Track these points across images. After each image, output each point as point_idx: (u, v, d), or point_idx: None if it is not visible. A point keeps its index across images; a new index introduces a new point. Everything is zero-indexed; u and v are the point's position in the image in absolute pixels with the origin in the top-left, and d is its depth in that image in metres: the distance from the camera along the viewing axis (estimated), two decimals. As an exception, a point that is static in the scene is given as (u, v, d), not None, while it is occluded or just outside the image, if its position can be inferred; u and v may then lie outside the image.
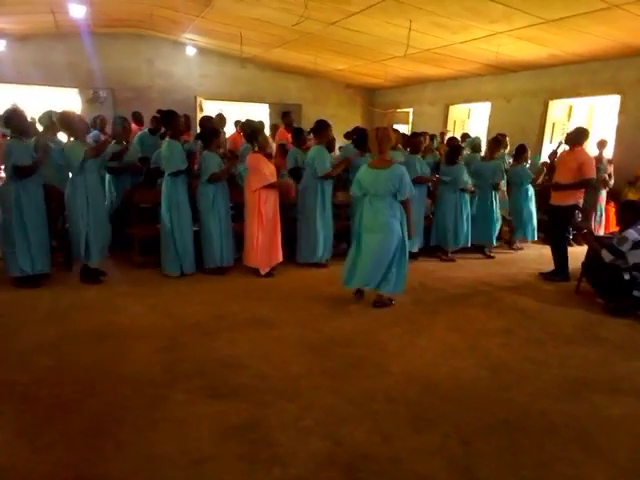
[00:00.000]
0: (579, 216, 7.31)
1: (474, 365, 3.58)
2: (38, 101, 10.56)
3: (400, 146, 6.61)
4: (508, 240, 7.42)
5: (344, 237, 6.33)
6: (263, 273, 5.40)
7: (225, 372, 3.35)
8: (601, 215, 7.74)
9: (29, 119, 5.10)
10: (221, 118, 7.43)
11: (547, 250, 6.02)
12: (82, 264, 5.08)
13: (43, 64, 11.50)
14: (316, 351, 3.72)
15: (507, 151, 7.69)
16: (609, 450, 2.64)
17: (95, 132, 6.99)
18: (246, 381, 3.23)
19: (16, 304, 4.52)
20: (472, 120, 12.24)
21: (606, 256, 4.68)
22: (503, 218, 7.24)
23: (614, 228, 7.38)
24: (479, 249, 6.94)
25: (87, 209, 4.87)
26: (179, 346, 3.74)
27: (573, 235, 7.55)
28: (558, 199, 5.62)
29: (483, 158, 7.12)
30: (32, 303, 4.53)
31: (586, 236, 5.32)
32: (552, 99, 9.41)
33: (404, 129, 12.74)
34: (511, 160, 7.44)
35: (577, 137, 5.56)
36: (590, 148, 8.64)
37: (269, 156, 5.40)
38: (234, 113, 11.70)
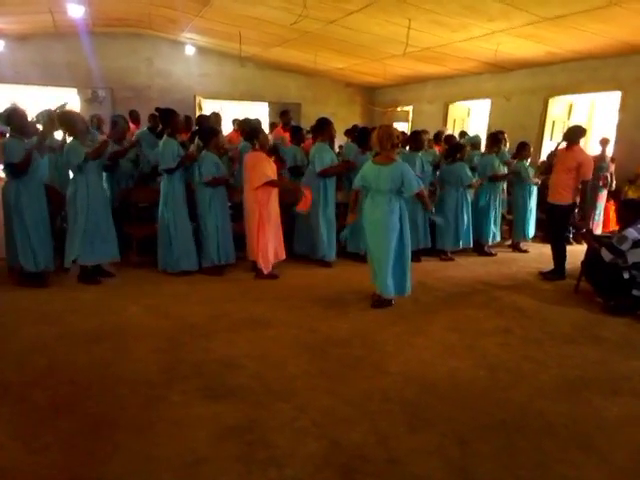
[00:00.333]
0: (578, 215, 7.29)
1: (472, 365, 3.57)
2: (37, 101, 10.54)
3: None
4: (513, 244, 7.37)
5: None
6: (266, 273, 5.36)
7: (222, 373, 3.34)
8: (600, 213, 7.72)
9: (30, 119, 5.09)
10: (217, 117, 7.40)
11: (547, 249, 6.01)
12: (72, 263, 5.05)
13: (42, 64, 11.51)
14: (313, 351, 3.70)
15: (507, 148, 7.68)
16: (608, 451, 2.63)
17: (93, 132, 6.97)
18: (243, 382, 3.22)
19: (13, 304, 4.50)
20: (472, 118, 12.22)
21: (606, 255, 4.66)
22: (502, 217, 7.23)
23: (613, 227, 7.37)
24: (479, 248, 6.92)
25: (88, 208, 4.87)
26: (176, 346, 3.72)
27: (573, 234, 7.55)
28: (557, 198, 5.60)
29: (483, 155, 7.11)
30: (29, 303, 4.52)
31: (585, 235, 5.30)
32: (552, 97, 9.38)
33: (404, 127, 12.73)
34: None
35: (574, 135, 5.54)
36: (592, 146, 8.68)
37: (270, 154, 5.39)
38: (234, 112, 11.69)
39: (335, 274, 5.72)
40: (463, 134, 8.90)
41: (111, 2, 9.41)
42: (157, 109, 5.72)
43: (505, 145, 7.49)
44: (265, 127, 9.08)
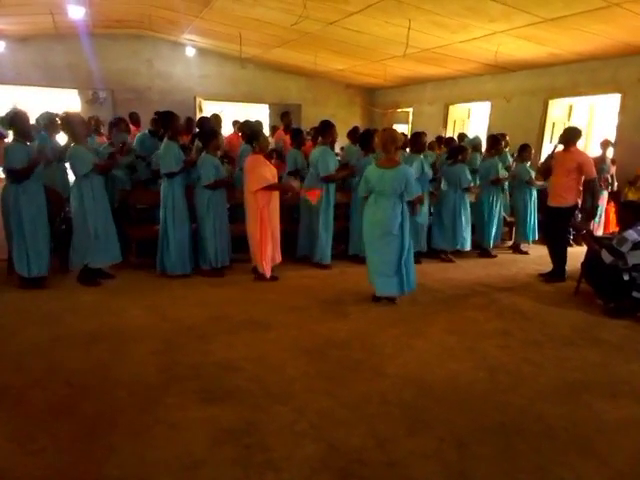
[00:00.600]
0: (579, 216, 7.27)
1: (471, 367, 3.55)
2: (38, 102, 10.56)
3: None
4: (513, 246, 7.36)
5: (342, 238, 6.31)
6: (268, 276, 5.34)
7: (220, 375, 3.33)
8: (600, 215, 7.70)
9: (32, 122, 5.09)
10: (217, 118, 7.39)
11: (547, 251, 5.98)
12: (82, 266, 5.06)
13: (43, 65, 11.52)
14: (312, 354, 3.69)
15: (508, 150, 7.67)
16: (608, 454, 2.61)
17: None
18: (241, 384, 3.21)
19: (12, 305, 4.50)
20: (472, 120, 12.20)
21: (606, 257, 4.65)
22: (503, 219, 7.21)
23: (614, 228, 7.36)
24: (479, 249, 6.91)
25: (96, 212, 4.88)
26: (174, 349, 3.71)
27: (573, 235, 7.52)
28: (557, 200, 5.58)
29: (484, 158, 7.10)
30: (27, 305, 4.51)
31: (585, 237, 5.29)
32: (552, 98, 9.37)
33: (404, 129, 12.72)
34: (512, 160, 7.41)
35: (571, 136, 5.53)
36: (592, 148, 8.66)
37: (269, 157, 5.38)
38: (235, 114, 11.69)
39: (334, 276, 5.71)
40: (462, 136, 8.88)
41: (111, 3, 9.41)
42: (157, 113, 5.72)
43: (506, 147, 7.49)
44: (266, 129, 9.09)
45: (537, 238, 7.30)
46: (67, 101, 11.90)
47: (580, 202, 5.65)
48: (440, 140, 8.70)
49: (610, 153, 7.79)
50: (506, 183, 7.14)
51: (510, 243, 7.46)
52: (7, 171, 4.64)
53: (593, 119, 9.55)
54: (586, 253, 5.20)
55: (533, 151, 7.34)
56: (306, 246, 6.05)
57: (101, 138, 6.73)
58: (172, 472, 2.39)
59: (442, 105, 12.17)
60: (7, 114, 4.72)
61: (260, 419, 2.82)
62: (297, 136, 6.60)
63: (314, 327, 4.20)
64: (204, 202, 5.30)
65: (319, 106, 13.76)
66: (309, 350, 3.75)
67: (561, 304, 4.97)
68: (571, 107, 9.55)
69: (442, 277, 5.81)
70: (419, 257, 6.21)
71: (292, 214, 6.37)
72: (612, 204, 7.76)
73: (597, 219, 7.62)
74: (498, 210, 6.89)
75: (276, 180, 5.29)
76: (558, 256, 5.74)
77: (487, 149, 7.10)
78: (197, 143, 5.80)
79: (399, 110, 13.91)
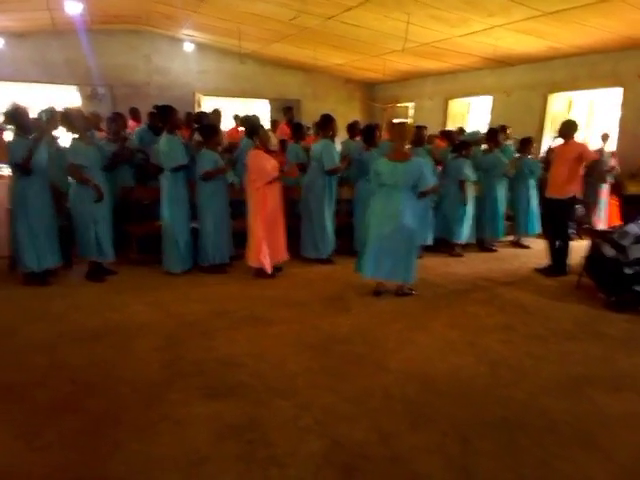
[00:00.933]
0: (581, 210, 7.26)
1: (473, 362, 3.56)
2: (37, 98, 10.51)
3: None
4: (514, 240, 7.36)
5: (345, 233, 6.31)
6: (270, 272, 5.31)
7: (223, 371, 3.33)
8: (603, 209, 7.69)
9: (34, 116, 5.10)
10: (217, 113, 7.37)
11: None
12: (90, 262, 5.08)
13: (41, 61, 11.45)
14: (314, 349, 3.69)
15: (510, 142, 7.64)
16: (611, 448, 2.61)
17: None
18: (244, 380, 3.21)
19: (15, 302, 4.50)
20: (472, 114, 12.17)
21: (608, 251, 4.65)
22: (505, 213, 7.20)
23: (616, 222, 7.35)
24: (481, 244, 6.92)
25: (94, 206, 4.89)
26: (177, 345, 3.72)
27: (575, 229, 7.52)
28: (556, 192, 5.58)
29: (484, 152, 7.09)
30: (31, 302, 4.52)
31: (587, 230, 5.28)
32: (552, 92, 9.34)
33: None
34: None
35: (568, 130, 5.55)
36: (593, 141, 8.64)
37: (270, 151, 5.36)
38: (235, 109, 11.64)
39: (336, 271, 5.71)
40: (461, 131, 8.86)
41: (109, -1, 9.36)
42: (155, 106, 5.70)
43: (506, 140, 7.46)
44: (266, 124, 9.06)
45: (537, 232, 7.29)
46: (66, 97, 11.86)
47: (582, 195, 5.64)
48: (444, 134, 8.66)
49: (609, 146, 7.78)
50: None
51: (512, 237, 7.46)
52: (13, 166, 4.70)
53: (593, 113, 9.53)
54: (588, 247, 5.20)
55: (534, 145, 7.32)
56: (309, 244, 6.02)
57: (101, 133, 6.70)
58: (177, 468, 2.40)
59: (442, 99, 12.14)
60: (8, 110, 4.74)
61: (263, 415, 2.83)
62: (297, 130, 6.60)
63: (316, 322, 4.20)
64: (205, 197, 5.29)
65: (319, 101, 13.71)
66: (311, 345, 3.75)
67: (563, 298, 4.98)
68: (571, 101, 9.53)
69: (443, 272, 5.82)
70: (422, 251, 6.21)
71: (293, 209, 6.36)
72: (614, 197, 7.74)
73: (599, 213, 7.62)
74: (502, 204, 6.88)
75: (277, 173, 5.27)
76: (558, 250, 5.72)
77: (487, 143, 7.08)
78: (195, 137, 5.77)
79: (399, 105, 13.86)
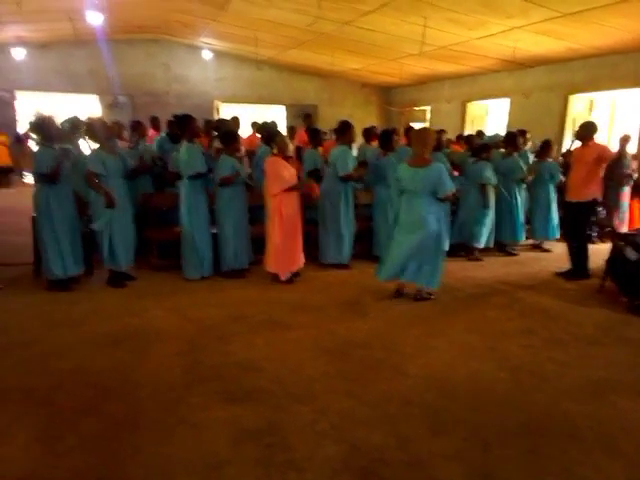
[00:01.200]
0: (603, 213, 7.13)
1: (494, 367, 3.51)
2: (60, 107, 10.73)
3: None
4: (535, 243, 7.27)
5: (365, 238, 6.30)
6: (284, 279, 5.34)
7: (241, 375, 3.34)
8: (624, 212, 7.55)
9: (61, 126, 5.20)
10: (235, 121, 7.44)
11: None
12: (109, 268, 5.16)
13: (63, 71, 11.72)
14: (332, 353, 3.69)
15: (528, 147, 7.55)
16: (634, 453, 2.56)
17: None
18: (262, 384, 3.22)
19: (37, 308, 4.58)
20: (490, 117, 12.08)
21: (630, 254, 4.56)
22: (525, 216, 7.11)
23: (638, 225, 7.21)
24: (501, 247, 6.84)
25: (111, 213, 4.95)
26: (196, 349, 3.74)
27: (597, 232, 7.39)
28: (576, 195, 5.50)
29: (504, 155, 7.02)
30: (52, 307, 4.59)
31: (609, 234, 5.19)
32: (572, 94, 9.24)
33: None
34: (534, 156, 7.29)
35: (587, 132, 5.47)
36: (614, 143, 8.49)
37: (288, 158, 5.38)
38: (252, 116, 11.74)
39: (354, 276, 5.70)
40: (480, 134, 8.79)
41: (129, 9, 9.53)
42: (174, 115, 5.77)
43: (525, 144, 7.38)
44: (282, 130, 9.11)
45: (558, 236, 7.18)
46: (88, 106, 12.09)
47: (602, 197, 5.55)
48: (465, 138, 8.61)
49: (631, 149, 7.64)
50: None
51: (532, 241, 7.36)
52: (37, 175, 4.77)
53: (615, 114, 9.38)
54: (611, 250, 5.11)
55: (555, 148, 7.23)
56: (328, 251, 5.99)
57: (123, 142, 6.82)
58: (196, 472, 2.41)
59: (460, 103, 12.08)
60: (35, 120, 4.84)
61: (281, 419, 2.83)
62: (315, 136, 6.61)
63: (334, 327, 4.20)
64: (224, 201, 5.33)
65: (336, 106, 13.77)
66: (329, 350, 3.75)
67: (585, 302, 4.89)
68: (592, 102, 9.39)
69: (463, 276, 5.77)
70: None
71: (312, 215, 6.36)
72: (637, 200, 7.60)
73: (621, 215, 7.48)
74: (521, 208, 6.81)
75: (295, 180, 5.29)
76: (579, 253, 5.63)
77: (505, 147, 7.00)
78: (216, 143, 5.83)
79: (416, 108, 13.83)
